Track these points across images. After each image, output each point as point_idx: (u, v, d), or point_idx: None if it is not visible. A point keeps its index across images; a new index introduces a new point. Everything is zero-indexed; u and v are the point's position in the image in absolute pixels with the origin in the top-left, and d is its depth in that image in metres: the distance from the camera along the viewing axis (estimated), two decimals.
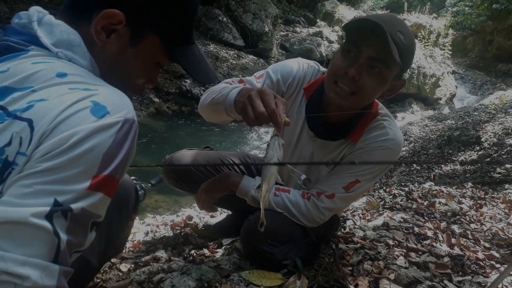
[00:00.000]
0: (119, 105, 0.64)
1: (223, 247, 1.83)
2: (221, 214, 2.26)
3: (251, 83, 1.53)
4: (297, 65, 1.56)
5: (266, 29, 10.82)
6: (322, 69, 1.55)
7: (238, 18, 10.76)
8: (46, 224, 0.55)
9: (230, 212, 2.13)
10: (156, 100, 7.50)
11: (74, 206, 0.57)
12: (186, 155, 1.85)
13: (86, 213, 0.60)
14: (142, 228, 2.23)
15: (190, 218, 2.23)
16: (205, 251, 1.80)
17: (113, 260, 1.79)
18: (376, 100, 1.46)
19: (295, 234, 1.56)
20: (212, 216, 2.27)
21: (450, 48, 13.30)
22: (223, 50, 9.80)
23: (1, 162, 0.57)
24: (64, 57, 0.72)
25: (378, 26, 1.18)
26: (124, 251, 1.91)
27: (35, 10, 0.74)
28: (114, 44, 0.78)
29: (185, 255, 1.76)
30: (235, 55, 9.86)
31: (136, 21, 0.78)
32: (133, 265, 1.71)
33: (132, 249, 1.93)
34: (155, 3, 0.78)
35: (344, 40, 1.33)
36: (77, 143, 0.58)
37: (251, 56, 10.18)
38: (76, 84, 0.64)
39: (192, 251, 1.79)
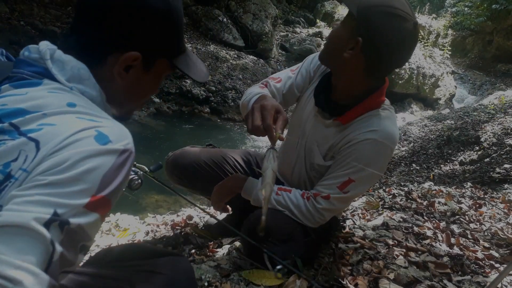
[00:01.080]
0: (120, 137, 0.69)
1: (223, 247, 1.83)
2: (221, 214, 2.26)
3: (286, 75, 1.65)
4: None
5: (266, 30, 10.83)
6: None
7: (238, 19, 10.77)
8: (45, 231, 0.56)
9: (230, 212, 2.14)
10: (157, 100, 7.51)
11: (72, 220, 0.59)
12: (189, 152, 1.86)
13: (81, 231, 0.61)
14: (143, 228, 2.24)
15: (190, 218, 2.23)
16: (206, 250, 1.81)
17: None
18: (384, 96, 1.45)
19: (296, 233, 1.56)
20: (212, 216, 2.28)
21: (450, 48, 13.33)
22: (223, 51, 9.81)
23: (4, 174, 0.61)
24: (77, 90, 0.78)
25: None
26: None
27: (46, 47, 0.80)
28: (133, 75, 0.88)
29: (186, 255, 1.77)
30: (235, 56, 9.87)
31: (148, 53, 0.88)
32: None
33: None
34: (158, 33, 0.88)
35: None
36: (81, 161, 0.62)
37: (251, 57, 10.19)
38: (83, 114, 0.70)
39: (193, 251, 1.80)
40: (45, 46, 0.80)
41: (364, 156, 1.37)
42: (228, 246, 1.83)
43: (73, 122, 0.67)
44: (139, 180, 1.48)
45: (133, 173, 1.49)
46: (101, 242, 2.06)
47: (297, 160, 1.63)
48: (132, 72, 0.87)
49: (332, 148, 1.48)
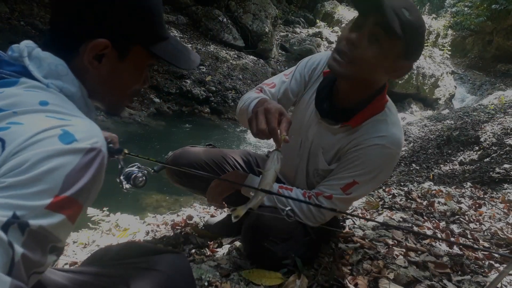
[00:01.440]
0: (88, 135, 0.67)
1: (224, 246, 1.84)
2: (221, 214, 2.27)
3: (280, 80, 1.63)
4: (324, 53, 1.62)
5: (266, 30, 10.83)
6: None
7: (238, 19, 10.77)
8: (1, 233, 0.55)
9: (226, 207, 2.15)
10: (157, 100, 7.51)
11: (32, 222, 0.58)
12: (189, 152, 1.86)
13: (45, 233, 0.60)
14: (143, 228, 2.23)
15: (190, 217, 2.23)
16: (206, 250, 1.81)
17: None
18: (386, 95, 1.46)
19: (296, 232, 1.57)
20: (212, 216, 2.28)
21: (450, 48, 13.32)
22: (224, 51, 9.82)
23: None
24: (54, 87, 0.77)
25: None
26: None
27: (25, 45, 0.80)
28: (107, 65, 0.86)
29: (186, 255, 1.77)
30: (235, 56, 9.88)
31: (118, 40, 0.85)
32: None
33: None
34: (127, 19, 0.85)
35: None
36: (42, 161, 0.60)
37: (251, 57, 10.20)
38: (53, 113, 0.69)
39: (193, 251, 1.80)
40: (24, 44, 0.80)
41: (371, 161, 1.39)
42: (228, 245, 1.83)
43: (40, 121, 0.66)
44: (143, 178, 1.48)
45: (136, 171, 1.49)
46: (101, 241, 2.05)
47: (299, 164, 1.63)
48: (106, 62, 0.85)
49: (338, 151, 1.49)
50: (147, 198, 4.35)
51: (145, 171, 1.49)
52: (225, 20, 10.44)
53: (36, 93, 0.73)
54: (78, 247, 2.04)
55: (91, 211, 2.36)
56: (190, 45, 9.43)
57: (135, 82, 0.93)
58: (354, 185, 1.43)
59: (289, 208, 1.45)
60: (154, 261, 1.13)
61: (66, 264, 1.80)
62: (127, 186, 1.47)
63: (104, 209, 2.41)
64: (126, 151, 1.42)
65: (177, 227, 2.14)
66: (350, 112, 1.42)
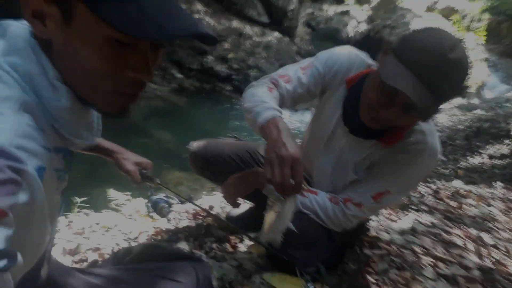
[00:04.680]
0: None
1: (245, 243, 1.81)
2: (244, 205, 2.23)
3: (296, 75, 1.48)
4: (345, 54, 1.48)
5: (292, 7, 10.52)
6: (370, 61, 1.45)
7: None
8: None
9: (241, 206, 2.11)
10: (179, 75, 7.46)
11: None
12: (213, 144, 1.81)
13: None
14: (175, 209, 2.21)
15: (211, 207, 2.21)
16: (227, 245, 1.79)
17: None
18: None
19: (320, 238, 1.52)
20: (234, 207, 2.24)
21: (485, 33, 12.75)
22: (247, 27, 9.61)
23: None
24: (7, 65, 0.64)
25: (416, 81, 1.08)
26: (146, 237, 1.91)
27: (2, 22, 0.69)
28: (53, 30, 0.64)
29: (207, 249, 1.75)
30: (259, 32, 9.66)
31: None
32: None
33: (154, 237, 1.93)
34: None
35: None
36: None
37: (275, 34, 9.96)
38: None
39: (214, 245, 1.77)
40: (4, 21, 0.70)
41: (407, 172, 1.34)
42: (250, 242, 1.81)
43: None
44: (169, 210, 1.51)
45: (164, 201, 1.50)
46: (123, 226, 2.05)
47: (324, 167, 1.57)
48: (51, 24, 0.64)
49: (371, 163, 1.42)
50: (168, 174, 4.36)
51: (172, 202, 1.50)
52: None
53: None
54: (101, 231, 2.04)
55: (113, 193, 2.36)
56: (213, 19, 9.27)
57: (95, 61, 0.65)
58: (386, 195, 1.37)
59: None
60: (174, 270, 1.10)
61: (89, 249, 1.81)
62: (152, 214, 1.49)
63: (127, 193, 2.41)
64: (158, 181, 1.44)
65: (198, 216, 2.12)
66: (384, 131, 1.35)
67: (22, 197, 0.55)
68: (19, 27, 0.69)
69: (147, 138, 5.43)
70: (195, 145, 1.82)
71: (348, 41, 10.41)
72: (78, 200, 2.36)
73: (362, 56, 1.46)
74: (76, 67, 0.66)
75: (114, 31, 0.61)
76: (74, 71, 0.67)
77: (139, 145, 5.16)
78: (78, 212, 2.32)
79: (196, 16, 9.08)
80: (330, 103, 1.49)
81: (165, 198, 1.51)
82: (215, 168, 1.77)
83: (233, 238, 1.84)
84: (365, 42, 10.04)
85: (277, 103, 1.36)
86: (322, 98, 1.54)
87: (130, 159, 1.47)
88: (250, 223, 1.95)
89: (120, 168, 1.45)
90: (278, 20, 10.48)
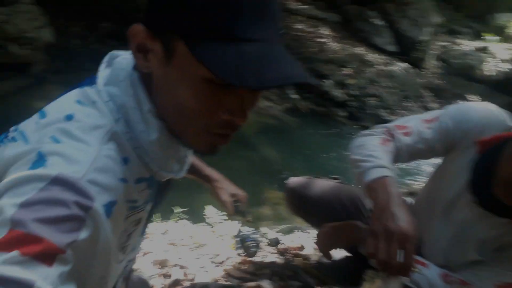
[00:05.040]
0: (66, 163, 0.57)
1: None
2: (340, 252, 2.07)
3: (417, 128, 1.30)
4: (481, 111, 1.26)
5: (424, 38, 9.93)
6: (510, 122, 1.23)
7: (394, 23, 10.08)
8: None
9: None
10: (294, 96, 7.51)
11: None
12: (312, 184, 1.71)
13: None
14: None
15: (301, 248, 2.08)
16: None
17: (217, 273, 1.78)
18: None
19: None
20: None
21: None
22: (371, 54, 9.32)
23: None
24: (106, 95, 0.68)
25: None
26: (231, 265, 1.88)
27: (110, 53, 0.73)
28: (155, 65, 0.65)
29: None
30: (384, 61, 9.29)
31: (159, 28, 0.63)
32: None
33: (240, 265, 1.88)
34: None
35: None
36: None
37: (401, 64, 9.47)
38: (59, 132, 0.60)
39: None
40: (112, 52, 0.74)
41: None
42: None
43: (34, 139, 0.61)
44: (256, 248, 1.47)
45: (249, 240, 1.46)
46: (212, 247, 2.05)
47: (438, 235, 1.35)
48: (152, 58, 0.65)
49: (502, 245, 1.18)
50: (269, 192, 4.36)
51: (260, 240, 1.44)
52: (378, 22, 9.88)
53: (72, 104, 0.66)
54: (192, 246, 2.06)
55: (210, 211, 2.39)
56: (338, 44, 9.18)
57: (194, 100, 0.63)
58: None
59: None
60: None
61: (175, 265, 1.83)
62: (239, 249, 1.47)
63: (224, 213, 2.42)
64: (250, 218, 1.42)
65: (286, 253, 2.02)
66: None
67: (84, 233, 0.55)
68: (125, 59, 0.71)
69: (254, 153, 5.55)
70: (293, 181, 1.74)
71: (484, 80, 9.45)
72: (179, 209, 2.44)
73: (502, 116, 1.23)
74: (171, 103, 0.66)
75: (210, 73, 0.58)
76: (169, 107, 0.67)
77: (245, 158, 5.28)
78: (176, 221, 2.40)
79: (322, 40, 9.12)
80: (456, 165, 1.28)
81: (254, 236, 1.46)
82: (312, 211, 1.66)
83: None
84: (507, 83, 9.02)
85: (391, 160, 1.21)
86: (447, 158, 1.33)
87: (227, 189, 1.46)
88: (344, 275, 1.78)
89: (216, 197, 1.45)
90: (406, 50, 9.98)
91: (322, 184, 1.71)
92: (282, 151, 5.73)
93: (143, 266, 1.78)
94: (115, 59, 0.72)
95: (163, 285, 1.68)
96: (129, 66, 0.70)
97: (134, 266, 1.75)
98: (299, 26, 9.46)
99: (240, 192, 1.50)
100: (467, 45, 11.62)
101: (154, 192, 0.80)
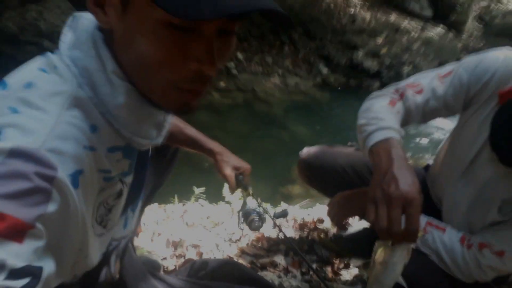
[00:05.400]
0: (24, 134, 0.52)
1: (350, 270, 1.56)
2: (358, 224, 1.96)
3: (430, 85, 1.18)
4: (501, 60, 1.09)
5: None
6: None
7: None
8: None
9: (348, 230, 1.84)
10: (325, 70, 7.29)
11: None
12: (325, 152, 1.62)
13: None
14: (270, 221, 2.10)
15: (321, 221, 1.99)
16: (328, 269, 1.57)
17: (232, 251, 1.73)
18: None
19: (442, 286, 1.21)
20: (348, 225, 2.00)
21: None
22: (406, 21, 8.85)
23: None
24: (68, 59, 0.62)
25: None
26: (246, 243, 1.83)
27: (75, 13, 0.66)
28: (113, 19, 0.59)
29: (303, 269, 1.56)
30: (419, 27, 8.80)
31: None
32: (249, 265, 1.61)
33: (255, 242, 1.82)
34: None
35: None
36: None
37: (438, 29, 8.95)
38: (17, 102, 0.56)
39: (314, 265, 1.58)
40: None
41: None
42: (357, 270, 1.55)
43: None
44: (260, 222, 1.39)
45: (254, 213, 1.37)
46: (228, 226, 2.00)
47: (459, 198, 1.23)
48: (111, 12, 0.59)
49: None
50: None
51: (264, 216, 1.39)
52: None
53: (31, 71, 0.61)
54: (209, 225, 2.02)
55: (227, 190, 2.34)
56: (368, 13, 8.78)
57: (156, 49, 0.57)
58: None
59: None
60: None
61: (190, 244, 1.80)
62: (242, 225, 1.42)
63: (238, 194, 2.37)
64: (251, 191, 1.34)
65: (304, 228, 1.94)
66: None
67: (52, 206, 0.51)
68: (87, 19, 0.66)
69: (283, 131, 5.44)
70: (305, 151, 1.64)
71: None
72: (196, 190, 2.40)
73: None
74: (134, 57, 0.60)
75: (168, 14, 0.52)
76: (133, 63, 0.61)
77: (274, 137, 5.20)
78: (195, 201, 2.37)
79: (353, 9, 8.75)
80: (475, 121, 1.15)
81: (258, 209, 1.38)
82: (325, 180, 1.58)
83: (337, 262, 1.61)
84: None
85: (398, 121, 1.09)
86: (465, 115, 1.19)
87: (230, 162, 1.40)
88: (361, 246, 1.68)
89: (219, 170, 1.40)
90: (444, 14, 9.40)
91: (336, 152, 1.60)
92: (313, 128, 5.59)
93: (157, 247, 1.76)
94: (78, 21, 0.66)
95: (175, 266, 1.65)
96: (91, 26, 0.65)
97: (147, 247, 1.75)
98: None
99: (244, 165, 1.42)
100: (510, 2, 10.79)
101: (134, 163, 0.75)
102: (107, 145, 0.65)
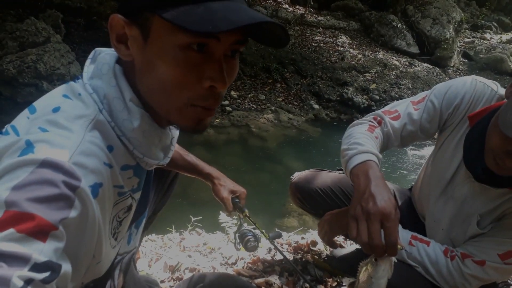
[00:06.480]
0: (53, 148, 0.60)
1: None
2: (351, 246, 2.03)
3: (406, 111, 1.29)
4: (469, 85, 1.23)
5: (447, 36, 9.73)
6: (501, 91, 1.19)
7: (415, 24, 9.96)
8: None
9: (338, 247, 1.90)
10: (316, 106, 7.48)
11: None
12: (315, 176, 1.70)
13: None
14: (266, 244, 2.16)
15: (314, 243, 2.06)
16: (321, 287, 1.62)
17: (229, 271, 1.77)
18: None
19: None
20: (340, 246, 2.06)
21: None
22: (394, 58, 9.20)
23: None
24: (90, 88, 0.71)
25: None
26: (242, 266, 1.87)
27: (95, 49, 0.77)
28: (135, 51, 0.68)
29: None
30: (407, 63, 9.15)
31: (132, 11, 0.67)
32: None
33: (251, 265, 1.87)
34: None
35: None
36: None
37: (425, 65, 9.30)
38: (46, 123, 0.64)
39: (306, 285, 1.63)
40: (96, 49, 0.78)
41: None
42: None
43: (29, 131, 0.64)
44: (256, 243, 1.45)
45: (250, 234, 1.45)
46: (225, 250, 2.05)
47: (440, 216, 1.33)
48: (133, 45, 0.68)
49: (500, 215, 1.16)
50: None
51: (259, 236, 1.45)
52: (399, 25, 9.79)
53: (57, 98, 0.70)
54: (205, 251, 2.07)
55: (222, 216, 2.40)
56: (358, 51, 9.13)
57: (174, 74, 0.65)
58: None
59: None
60: None
61: (187, 268, 1.85)
62: (238, 246, 1.47)
63: (234, 217, 2.43)
64: (247, 213, 1.42)
65: (299, 250, 2.00)
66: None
67: (74, 212, 0.58)
68: (108, 54, 0.76)
69: (278, 165, 5.53)
70: (296, 175, 1.73)
71: None
72: (192, 218, 2.46)
73: (490, 85, 1.20)
74: (154, 82, 0.68)
75: (186, 36, 0.62)
76: (153, 87, 0.69)
77: (269, 171, 5.28)
78: (191, 230, 2.42)
79: (342, 48, 9.10)
80: (450, 143, 1.26)
81: (253, 231, 1.45)
82: (315, 201, 1.65)
83: (330, 281, 1.67)
84: None
85: (377, 145, 1.19)
86: (441, 137, 1.30)
87: (227, 186, 1.47)
88: (353, 266, 1.74)
89: (216, 193, 1.46)
90: (430, 50, 9.83)
91: (325, 175, 1.69)
92: (306, 161, 5.68)
93: (155, 271, 1.81)
94: (99, 55, 0.76)
95: (172, 286, 1.69)
96: (112, 60, 0.74)
97: (146, 271, 1.79)
98: (318, 37, 9.50)
99: (240, 189, 1.50)
100: (494, 38, 11.27)
101: (143, 181, 0.84)
102: (121, 163, 0.74)
